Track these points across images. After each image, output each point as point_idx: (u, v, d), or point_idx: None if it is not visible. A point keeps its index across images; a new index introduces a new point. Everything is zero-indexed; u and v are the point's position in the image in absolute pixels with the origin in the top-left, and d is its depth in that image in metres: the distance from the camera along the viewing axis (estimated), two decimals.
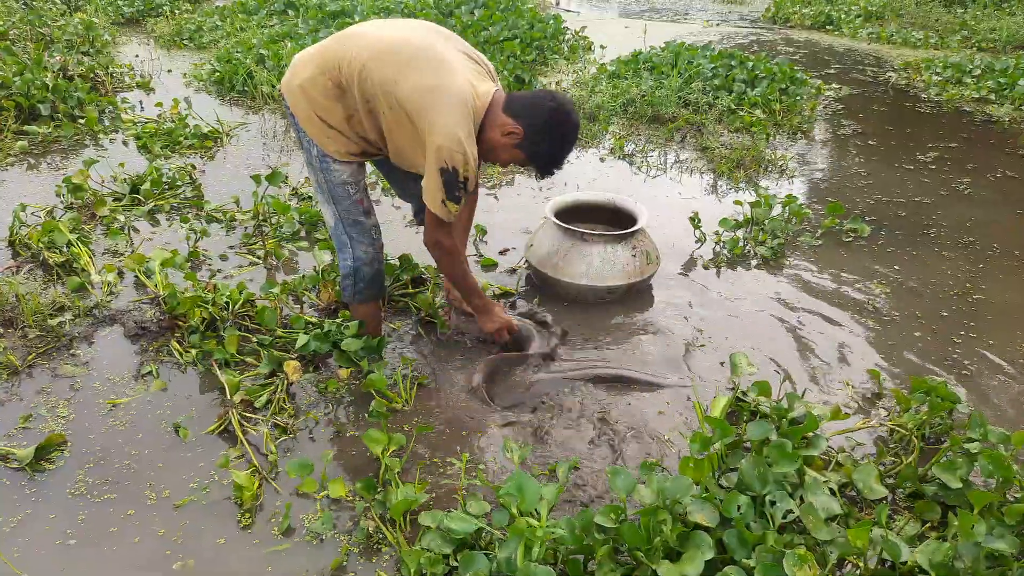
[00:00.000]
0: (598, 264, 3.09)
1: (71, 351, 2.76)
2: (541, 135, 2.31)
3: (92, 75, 6.00)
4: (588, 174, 4.71)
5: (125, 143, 4.94)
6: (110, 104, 5.52)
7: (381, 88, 2.26)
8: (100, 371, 2.66)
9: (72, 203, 3.88)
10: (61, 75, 5.68)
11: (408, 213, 3.93)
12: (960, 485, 2.03)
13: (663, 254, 3.64)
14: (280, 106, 5.79)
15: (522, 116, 2.30)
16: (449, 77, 2.24)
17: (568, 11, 10.90)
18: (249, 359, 2.72)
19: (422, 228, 3.06)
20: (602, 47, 8.08)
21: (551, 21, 8.12)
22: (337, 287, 3.04)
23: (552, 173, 2.44)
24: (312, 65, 2.35)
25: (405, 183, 2.90)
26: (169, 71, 6.75)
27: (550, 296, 3.24)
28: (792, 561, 1.65)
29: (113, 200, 3.96)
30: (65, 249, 3.35)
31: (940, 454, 2.18)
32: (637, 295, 3.25)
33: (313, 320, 2.88)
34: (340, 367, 2.67)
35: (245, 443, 2.32)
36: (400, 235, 3.69)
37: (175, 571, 1.91)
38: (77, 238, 3.42)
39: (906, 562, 1.76)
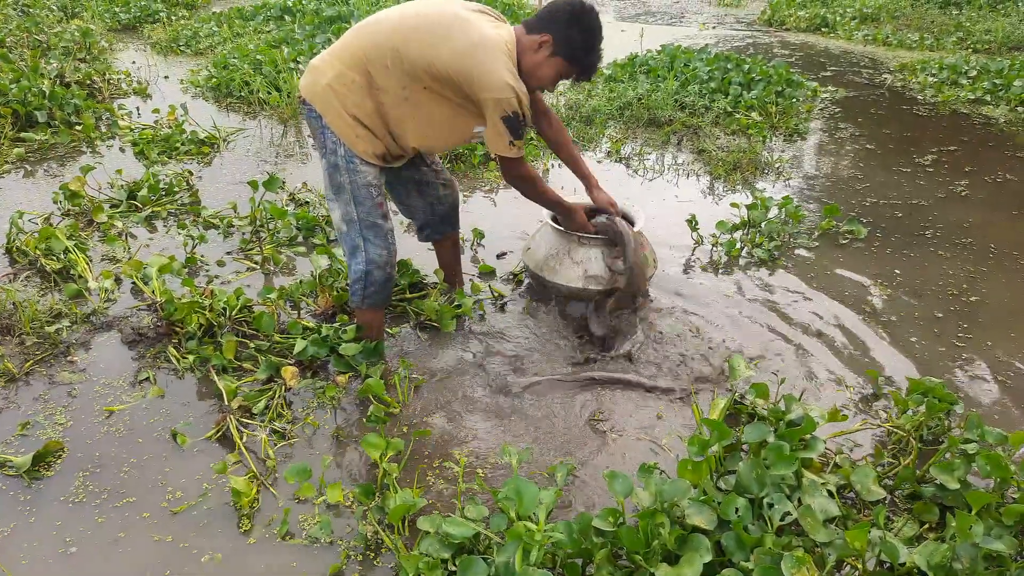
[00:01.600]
0: (595, 268, 3.08)
1: (68, 358, 2.76)
2: (570, 31, 2.38)
3: (89, 82, 6.01)
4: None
5: (122, 149, 4.94)
6: (107, 111, 5.52)
7: (421, 65, 2.32)
8: (98, 378, 2.66)
9: (69, 210, 3.89)
10: (58, 82, 5.68)
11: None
12: (958, 486, 2.03)
13: (660, 256, 3.65)
14: (276, 112, 5.80)
15: (545, 26, 2.40)
16: (479, 33, 2.32)
17: None
18: (247, 365, 2.72)
19: (427, 241, 3.12)
20: None
21: None
22: (335, 292, 3.04)
23: (595, 70, 2.50)
24: (337, 63, 2.39)
25: (409, 196, 2.92)
26: (166, 77, 6.76)
27: (549, 299, 3.24)
28: (790, 563, 1.65)
29: (110, 207, 3.96)
30: (62, 256, 3.34)
31: (938, 455, 2.18)
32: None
33: (311, 325, 2.88)
34: (339, 373, 2.67)
35: (243, 449, 2.31)
36: (398, 240, 3.68)
37: (204, 563, 1.93)
38: (74, 245, 3.42)
39: (904, 563, 1.76)
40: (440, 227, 3.06)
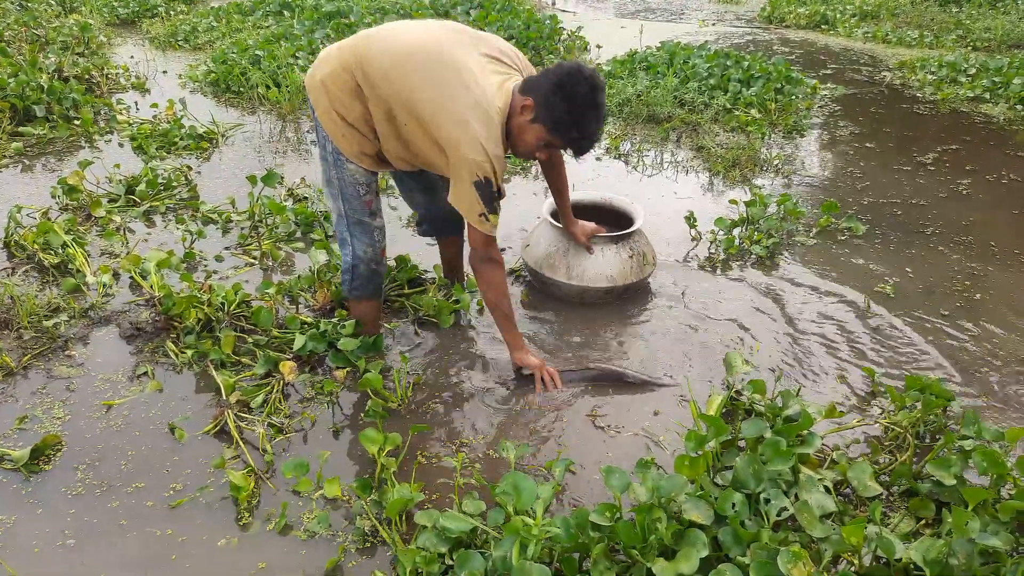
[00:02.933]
0: (594, 265, 3.09)
1: (66, 352, 2.76)
2: (552, 97, 2.17)
3: (87, 76, 5.99)
4: (584, 174, 4.72)
5: (121, 144, 4.94)
6: (105, 105, 5.51)
7: (400, 98, 2.25)
8: (96, 372, 2.66)
9: (67, 204, 3.88)
10: (56, 76, 5.67)
11: (403, 213, 3.94)
12: (954, 482, 2.04)
13: (659, 252, 3.65)
14: (275, 107, 5.79)
15: (532, 88, 2.22)
16: (466, 89, 2.19)
17: (564, 11, 10.91)
18: (245, 360, 2.72)
19: (424, 237, 3.10)
20: (598, 47, 8.08)
21: (547, 21, 8.12)
22: (333, 287, 3.04)
23: (584, 146, 2.26)
24: (335, 61, 2.35)
25: (412, 192, 2.89)
26: (164, 72, 6.74)
27: (547, 297, 3.24)
28: (786, 558, 1.65)
29: (108, 201, 3.95)
30: (60, 250, 3.34)
31: (934, 451, 2.19)
32: (634, 295, 3.26)
33: (309, 320, 2.88)
34: (336, 368, 2.67)
35: (241, 443, 2.32)
36: (397, 235, 3.69)
37: (220, 547, 1.95)
38: (72, 239, 3.42)
39: (900, 559, 1.77)
40: (442, 228, 3.04)
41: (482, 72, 2.25)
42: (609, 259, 3.11)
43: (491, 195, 2.25)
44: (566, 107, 2.17)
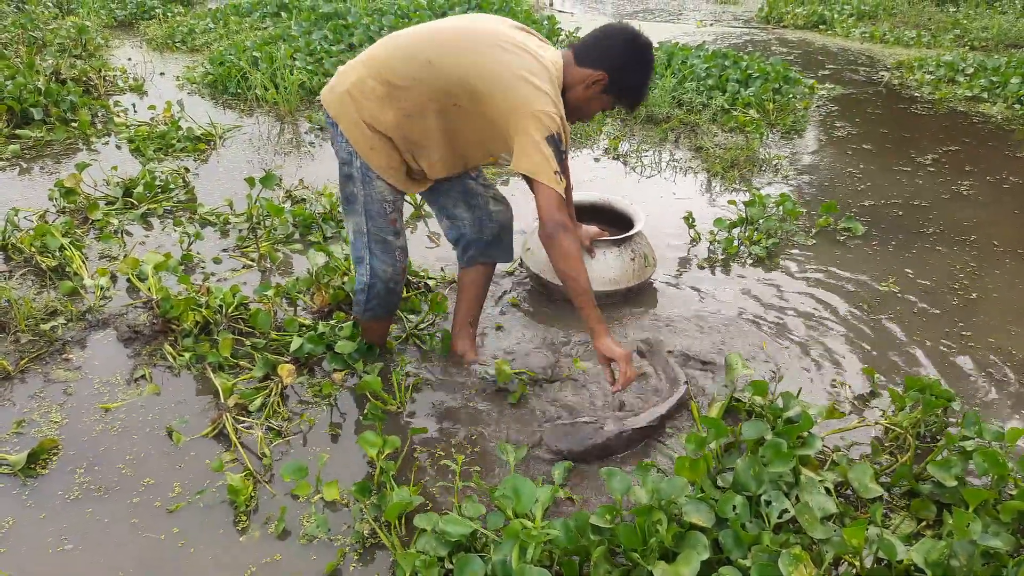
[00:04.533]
0: (596, 268, 3.08)
1: (64, 355, 2.75)
2: (626, 72, 2.26)
3: (85, 78, 5.98)
4: (583, 175, 4.71)
5: (118, 146, 4.92)
6: (103, 107, 5.50)
7: (451, 80, 2.17)
8: (93, 375, 2.65)
9: (65, 207, 3.87)
10: (54, 78, 5.66)
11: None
12: (955, 483, 2.03)
13: (659, 253, 3.64)
14: (273, 108, 5.78)
15: (600, 62, 2.24)
16: (525, 50, 2.18)
17: (562, 11, 10.91)
18: (243, 362, 2.71)
19: (470, 266, 2.68)
20: None
21: (545, 22, 8.12)
22: (332, 289, 3.03)
23: (640, 105, 2.43)
24: (361, 69, 2.27)
25: (455, 208, 2.61)
26: (162, 74, 6.73)
27: (550, 301, 3.23)
28: (787, 561, 1.65)
29: (106, 204, 3.94)
30: (58, 253, 3.33)
31: (935, 452, 2.18)
32: (635, 296, 3.25)
33: (307, 323, 2.87)
34: (335, 370, 2.66)
35: (239, 446, 2.31)
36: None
37: (218, 550, 1.92)
38: (70, 242, 3.41)
39: (902, 560, 1.76)
40: (488, 250, 2.68)
41: (527, 41, 2.24)
42: (611, 262, 3.11)
43: (562, 154, 2.17)
44: (639, 77, 2.29)
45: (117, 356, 2.76)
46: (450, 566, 1.83)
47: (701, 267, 3.60)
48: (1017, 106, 6.17)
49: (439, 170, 2.40)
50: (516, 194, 4.39)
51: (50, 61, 5.98)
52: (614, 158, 5.06)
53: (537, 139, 2.10)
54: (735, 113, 5.77)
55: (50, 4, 8.70)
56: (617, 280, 3.10)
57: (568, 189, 2.53)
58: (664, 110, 5.78)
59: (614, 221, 3.33)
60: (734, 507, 1.85)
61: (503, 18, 2.34)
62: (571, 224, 2.30)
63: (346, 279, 3.07)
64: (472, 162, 2.44)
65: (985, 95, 6.55)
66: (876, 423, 2.47)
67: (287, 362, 2.66)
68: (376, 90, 2.23)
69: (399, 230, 2.49)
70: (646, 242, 3.26)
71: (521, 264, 3.38)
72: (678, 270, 3.56)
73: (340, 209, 2.51)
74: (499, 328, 3.02)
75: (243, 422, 2.43)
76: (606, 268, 3.09)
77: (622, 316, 3.14)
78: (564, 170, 2.19)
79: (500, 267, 3.45)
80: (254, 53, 6.39)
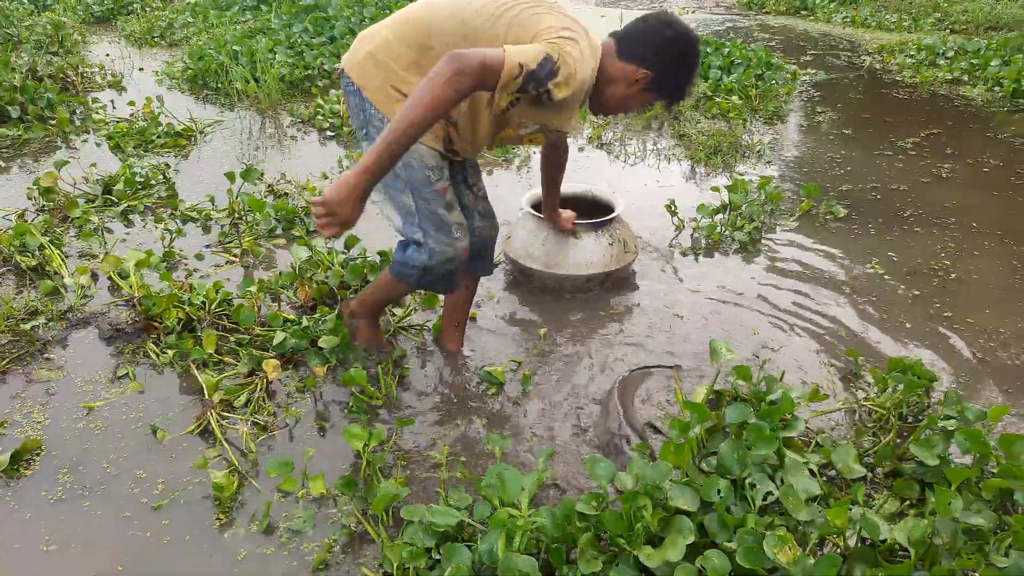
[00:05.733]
0: (575, 253, 3.09)
1: (45, 355, 2.72)
2: (672, 70, 2.11)
3: (62, 75, 5.91)
4: (567, 164, 4.69)
5: (97, 144, 4.87)
6: (81, 104, 5.44)
7: (491, 37, 1.98)
8: (76, 375, 2.63)
9: (44, 205, 3.83)
10: (30, 76, 5.58)
11: None
12: (937, 462, 2.05)
13: (642, 242, 3.65)
14: (254, 102, 5.73)
15: (646, 59, 2.07)
16: (570, 18, 2.03)
17: None
18: (227, 359, 2.69)
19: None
20: None
21: None
22: (315, 284, 3.02)
23: (676, 103, 2.26)
24: (386, 31, 2.11)
25: (460, 196, 2.43)
26: (141, 69, 6.66)
27: (530, 290, 3.23)
28: (772, 542, 1.66)
29: (85, 201, 3.90)
30: (37, 252, 3.29)
31: (917, 432, 2.20)
32: (617, 284, 3.25)
33: (291, 317, 2.86)
34: (318, 364, 2.65)
35: (224, 443, 2.29)
36: (379, 230, 3.66)
37: (204, 547, 1.90)
38: (49, 241, 3.37)
39: (885, 540, 1.78)
40: (470, 265, 2.54)
41: (578, 21, 2.09)
42: (589, 246, 3.10)
43: (540, 76, 1.83)
44: (683, 77, 2.14)
45: (99, 355, 2.73)
46: (438, 557, 1.83)
47: (685, 254, 3.61)
48: (997, 88, 6.21)
49: (468, 151, 2.26)
50: (500, 185, 4.38)
51: (26, 58, 5.91)
52: (598, 147, 5.06)
53: (537, 45, 1.87)
54: (718, 100, 5.77)
55: (25, 1, 8.57)
56: (594, 264, 3.09)
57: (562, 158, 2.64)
58: None
59: (596, 210, 3.32)
60: (719, 491, 1.86)
61: None
62: (465, 84, 1.77)
63: (329, 273, 3.05)
64: (499, 142, 2.26)
65: (966, 78, 6.59)
66: (859, 404, 2.49)
67: (272, 357, 2.65)
68: (404, 55, 2.07)
69: (451, 202, 2.23)
70: (626, 228, 3.25)
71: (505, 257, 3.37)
72: (662, 257, 3.57)
73: (376, 198, 2.15)
74: (472, 318, 3.00)
75: (228, 418, 2.41)
76: (584, 253, 3.09)
77: (604, 305, 3.14)
78: (526, 90, 1.85)
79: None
80: (234, 47, 6.34)
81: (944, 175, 4.55)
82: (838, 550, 1.85)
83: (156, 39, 7.77)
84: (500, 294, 3.20)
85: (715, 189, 4.10)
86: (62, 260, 3.27)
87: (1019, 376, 2.71)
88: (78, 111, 5.37)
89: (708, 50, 6.61)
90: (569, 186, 3.37)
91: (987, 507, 1.92)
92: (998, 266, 3.49)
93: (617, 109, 2.21)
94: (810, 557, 1.66)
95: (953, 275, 3.41)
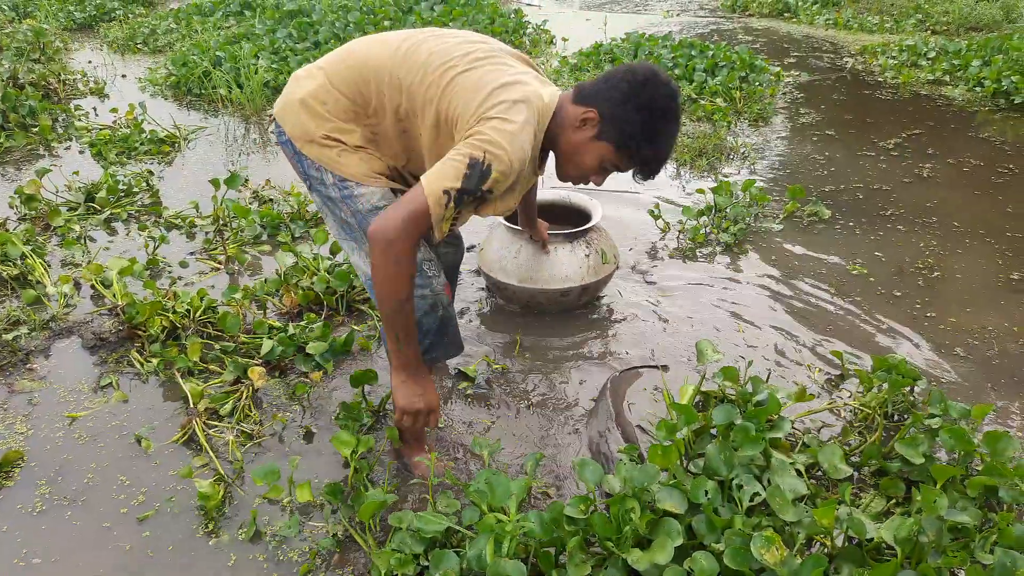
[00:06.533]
0: (549, 266, 2.89)
1: (28, 365, 2.69)
2: (623, 109, 1.78)
3: (44, 83, 5.87)
4: (548, 168, 4.69)
5: (80, 151, 4.84)
6: (63, 112, 5.40)
7: (424, 100, 1.81)
8: (58, 385, 2.60)
9: (26, 214, 3.80)
10: (11, 84, 5.54)
11: None
12: (923, 461, 2.06)
13: (627, 244, 3.66)
14: (238, 109, 5.71)
15: (594, 96, 1.81)
16: (510, 74, 1.79)
17: (530, 5, 10.88)
18: (213, 367, 2.68)
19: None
20: (564, 40, 8.08)
21: (512, 15, 8.10)
22: (301, 290, 3.00)
23: (655, 168, 1.87)
24: (321, 75, 1.90)
25: None
26: (123, 76, 6.62)
27: (505, 304, 3.11)
28: (760, 543, 1.66)
29: (68, 210, 3.87)
30: (19, 262, 3.26)
31: (903, 431, 2.21)
32: (593, 296, 3.11)
33: (277, 325, 2.84)
34: (313, 369, 2.64)
35: (210, 451, 2.28)
36: None
37: (189, 557, 1.88)
38: (31, 250, 3.34)
39: (872, 538, 1.78)
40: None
41: (522, 67, 1.89)
42: (563, 258, 2.89)
43: (474, 187, 1.69)
44: (641, 120, 1.77)
45: (82, 364, 2.71)
46: (426, 563, 1.82)
47: (671, 256, 3.61)
48: (978, 88, 6.27)
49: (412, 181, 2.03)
50: None
51: (7, 66, 5.85)
52: None
53: (462, 153, 1.69)
54: (702, 102, 5.80)
55: (6, 7, 8.50)
56: (569, 277, 2.88)
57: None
58: None
59: (574, 218, 3.10)
60: (706, 492, 1.86)
61: (499, 43, 1.98)
62: (404, 248, 1.69)
63: (315, 279, 3.04)
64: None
65: (947, 78, 6.65)
66: (845, 404, 2.50)
67: (258, 365, 2.63)
68: (341, 101, 1.88)
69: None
70: (606, 237, 3.05)
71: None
72: (647, 260, 3.57)
73: (343, 247, 2.07)
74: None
75: (214, 427, 2.40)
76: (559, 265, 2.88)
77: (588, 307, 3.14)
78: (463, 203, 1.71)
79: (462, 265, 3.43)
80: (217, 53, 6.31)
81: (926, 175, 4.59)
82: (825, 550, 1.86)
83: (139, 45, 7.72)
84: (479, 294, 3.19)
85: (700, 191, 4.11)
86: (44, 269, 3.24)
87: (1002, 373, 2.73)
88: (60, 118, 5.34)
89: (693, 53, 6.64)
90: (544, 192, 3.22)
91: (972, 504, 1.93)
92: (980, 265, 3.52)
93: (575, 169, 1.92)
94: (797, 557, 1.66)
95: (936, 274, 3.44)
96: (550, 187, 3.35)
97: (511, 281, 2.93)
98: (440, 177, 1.67)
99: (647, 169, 1.89)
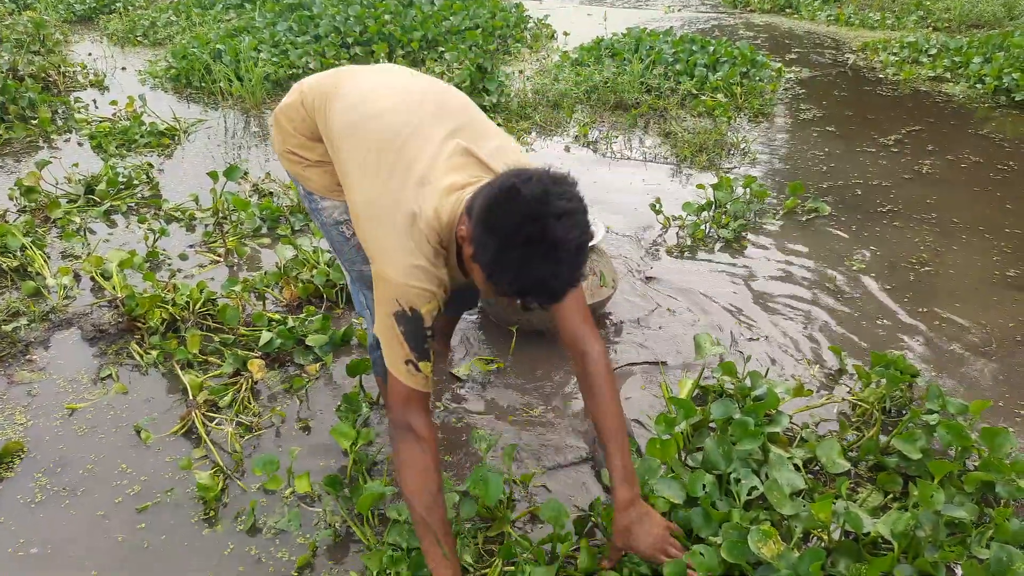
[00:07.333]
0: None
1: (27, 357, 2.69)
2: (481, 230, 1.42)
3: (44, 75, 5.86)
4: (552, 164, 4.70)
5: (80, 143, 4.83)
6: (63, 104, 5.39)
7: (341, 168, 1.76)
8: (58, 376, 2.60)
9: (26, 206, 3.79)
10: (11, 76, 5.53)
11: None
12: (920, 456, 2.07)
13: (627, 239, 3.66)
14: (238, 101, 5.70)
15: (472, 210, 1.48)
16: (411, 181, 1.59)
17: None
18: (212, 359, 2.68)
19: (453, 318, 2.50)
20: (565, 34, 8.07)
21: (513, 10, 8.08)
22: (301, 283, 3.01)
23: (541, 296, 1.44)
24: (297, 93, 1.91)
25: None
26: (123, 69, 6.61)
27: (495, 325, 2.97)
28: (757, 537, 1.67)
29: (67, 202, 3.86)
30: (19, 253, 3.26)
31: (900, 426, 2.22)
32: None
33: (276, 317, 2.84)
34: (312, 362, 2.64)
35: (209, 443, 2.28)
36: None
37: (188, 548, 1.88)
38: (31, 241, 3.34)
39: (869, 533, 1.79)
40: (451, 306, 1.94)
41: (434, 165, 1.62)
42: None
43: (420, 333, 1.59)
44: (496, 244, 1.40)
45: (82, 356, 2.71)
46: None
47: (670, 252, 3.61)
48: (979, 85, 6.26)
49: None
50: None
51: (7, 57, 5.84)
52: (584, 145, 5.06)
53: (383, 313, 1.59)
54: (703, 97, 5.79)
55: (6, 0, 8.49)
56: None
57: (595, 372, 1.72)
58: (633, 96, 5.79)
59: None
60: (704, 486, 1.87)
61: (472, 120, 1.77)
62: (420, 428, 1.62)
63: (315, 272, 3.04)
64: None
65: (948, 75, 6.64)
66: (843, 399, 2.51)
67: (257, 357, 2.64)
68: (306, 120, 1.88)
69: None
70: (605, 259, 2.89)
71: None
72: (647, 255, 3.57)
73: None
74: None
75: (213, 419, 2.40)
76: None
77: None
78: (427, 353, 1.62)
79: None
80: (217, 46, 6.30)
81: (925, 171, 4.59)
82: (822, 544, 1.86)
83: (139, 38, 7.70)
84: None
85: (700, 187, 4.11)
86: (44, 261, 3.24)
87: (1000, 369, 2.74)
88: (60, 111, 5.33)
89: (694, 48, 6.63)
90: None
91: (969, 500, 1.94)
92: (977, 261, 3.52)
93: (483, 288, 1.57)
94: (794, 551, 1.67)
95: (934, 270, 3.44)
96: None
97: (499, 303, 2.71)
98: (391, 356, 1.61)
99: (527, 299, 1.45)
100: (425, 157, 1.62)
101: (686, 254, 3.60)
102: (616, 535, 1.66)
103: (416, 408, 1.63)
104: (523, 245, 1.36)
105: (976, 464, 2.12)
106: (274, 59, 6.11)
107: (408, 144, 1.64)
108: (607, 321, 3.01)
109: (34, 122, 5.02)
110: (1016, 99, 5.85)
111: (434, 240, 1.57)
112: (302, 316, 2.79)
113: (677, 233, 3.79)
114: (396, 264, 1.55)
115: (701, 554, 1.64)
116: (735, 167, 4.69)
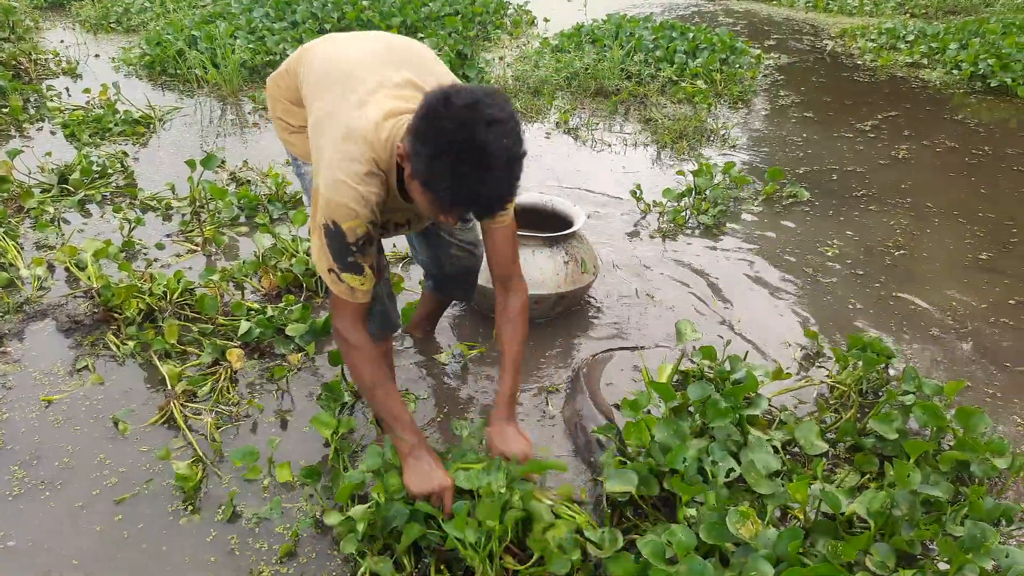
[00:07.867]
0: (525, 271, 2.41)
1: (1, 348, 2.65)
2: (415, 140, 1.47)
3: (14, 62, 5.74)
4: (532, 151, 4.69)
5: (53, 132, 4.75)
6: (35, 92, 5.30)
7: (308, 111, 1.85)
8: (33, 368, 2.57)
9: None
10: None
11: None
12: (896, 436, 2.09)
13: (608, 226, 3.67)
14: (214, 89, 5.63)
15: (410, 128, 1.52)
16: (351, 101, 1.68)
17: None
18: (191, 349, 2.65)
19: (431, 292, 2.55)
20: (545, 20, 8.04)
21: None
22: (279, 272, 2.98)
23: (475, 207, 1.49)
24: (290, 59, 2.00)
25: (414, 240, 2.35)
26: (96, 56, 6.50)
27: (478, 310, 2.96)
28: (735, 518, 1.68)
29: (41, 191, 3.80)
30: None
31: (877, 407, 2.24)
32: (568, 305, 2.90)
33: (255, 306, 2.82)
34: (293, 352, 2.63)
35: (188, 433, 2.26)
36: None
37: (167, 539, 1.87)
38: (4, 232, 3.28)
39: (845, 512, 1.82)
40: (445, 285, 2.46)
41: (378, 90, 1.69)
42: (540, 264, 2.71)
43: (344, 248, 1.66)
44: (428, 152, 1.44)
45: (58, 347, 2.67)
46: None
47: (652, 237, 3.63)
48: (955, 71, 6.32)
49: None
50: None
51: None
52: (565, 132, 5.05)
53: (315, 224, 1.68)
54: (683, 84, 5.80)
55: None
56: (544, 283, 2.71)
57: (512, 316, 1.93)
58: (614, 83, 5.78)
59: (556, 224, 2.88)
60: (684, 459, 1.88)
61: (426, 67, 1.82)
62: (355, 335, 1.77)
63: (294, 261, 3.02)
64: None
65: (925, 61, 6.70)
66: (821, 382, 2.54)
67: (236, 347, 2.62)
68: (291, 87, 1.95)
69: None
70: (586, 246, 2.88)
71: None
72: (628, 241, 3.58)
73: None
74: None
75: (192, 409, 2.38)
76: (535, 271, 2.69)
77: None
78: (354, 267, 1.68)
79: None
80: (193, 32, 6.20)
81: (901, 156, 4.63)
82: (799, 523, 1.89)
83: (112, 25, 7.57)
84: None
85: (680, 173, 4.12)
86: (17, 251, 3.19)
87: (975, 350, 2.78)
88: (32, 99, 5.23)
89: (674, 35, 6.63)
90: (527, 196, 2.98)
91: (944, 479, 1.97)
92: (950, 244, 3.57)
93: (425, 210, 1.59)
94: (770, 528, 1.68)
95: (909, 253, 3.48)
96: (535, 191, 3.13)
97: (481, 282, 2.59)
98: (318, 263, 1.73)
99: (462, 210, 1.50)
100: (371, 83, 1.71)
101: (667, 240, 3.61)
102: (492, 434, 1.91)
103: (346, 317, 1.77)
104: (455, 152, 1.41)
105: (951, 444, 2.15)
106: (251, 46, 6.03)
107: (356, 73, 1.74)
108: (588, 307, 3.01)
109: (5, 110, 4.93)
110: (991, 85, 5.91)
111: (367, 159, 1.62)
112: (281, 305, 2.77)
113: (658, 219, 3.81)
114: (325, 178, 1.63)
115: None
116: (715, 153, 4.71)
